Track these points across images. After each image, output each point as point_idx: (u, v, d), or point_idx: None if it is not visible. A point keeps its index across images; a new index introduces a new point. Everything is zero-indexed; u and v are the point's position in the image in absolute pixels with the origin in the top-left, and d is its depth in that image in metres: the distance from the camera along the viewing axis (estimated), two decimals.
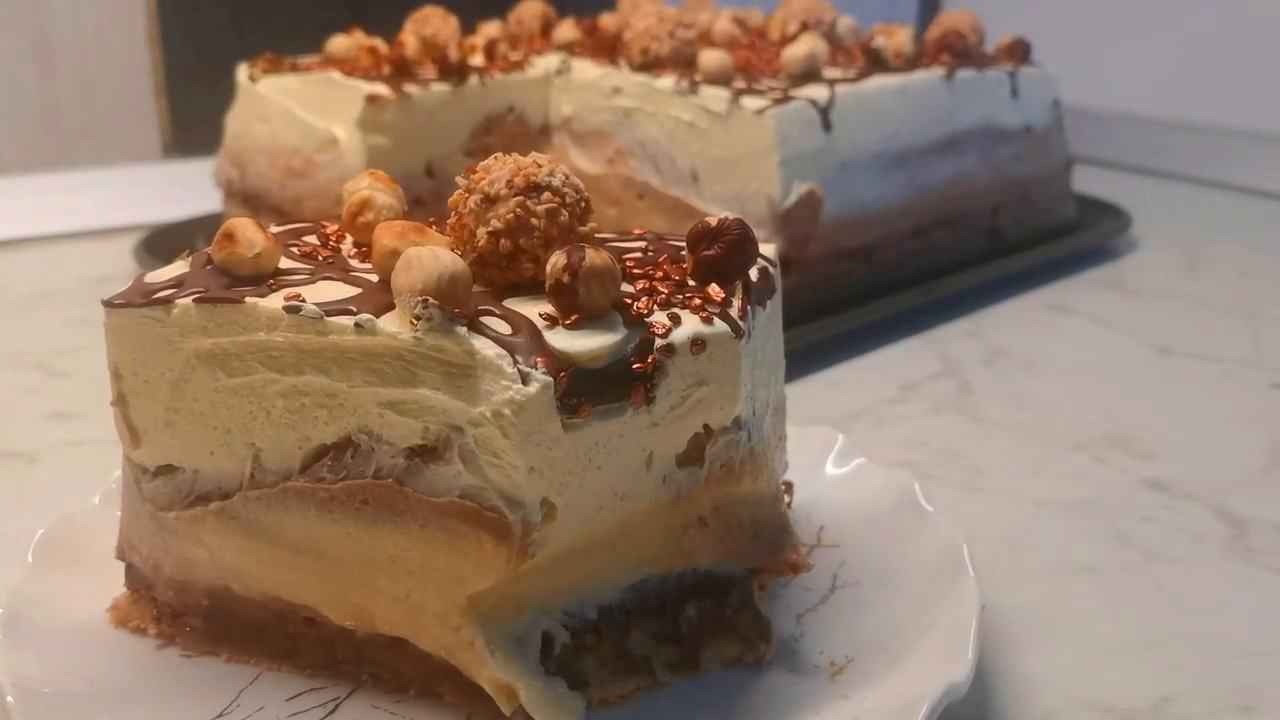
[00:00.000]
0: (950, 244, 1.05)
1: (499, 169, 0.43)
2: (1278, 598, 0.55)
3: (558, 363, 0.39)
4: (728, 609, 0.47)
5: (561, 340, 0.40)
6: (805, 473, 0.57)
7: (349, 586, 0.44)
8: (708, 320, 0.42)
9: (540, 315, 0.41)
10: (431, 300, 0.39)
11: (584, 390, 0.40)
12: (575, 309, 0.40)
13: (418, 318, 0.39)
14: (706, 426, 0.43)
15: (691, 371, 0.42)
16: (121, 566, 0.49)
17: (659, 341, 0.41)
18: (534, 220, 0.42)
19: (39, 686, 0.43)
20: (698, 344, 0.41)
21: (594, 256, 0.40)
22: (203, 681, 0.46)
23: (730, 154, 0.91)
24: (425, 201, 0.97)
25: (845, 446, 0.60)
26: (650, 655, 0.45)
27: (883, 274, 0.98)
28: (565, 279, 0.40)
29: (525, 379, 0.39)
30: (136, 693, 0.45)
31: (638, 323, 0.41)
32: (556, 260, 0.40)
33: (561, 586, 0.44)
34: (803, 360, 0.83)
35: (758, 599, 0.47)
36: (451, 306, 0.39)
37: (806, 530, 0.55)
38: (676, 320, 0.42)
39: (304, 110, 0.97)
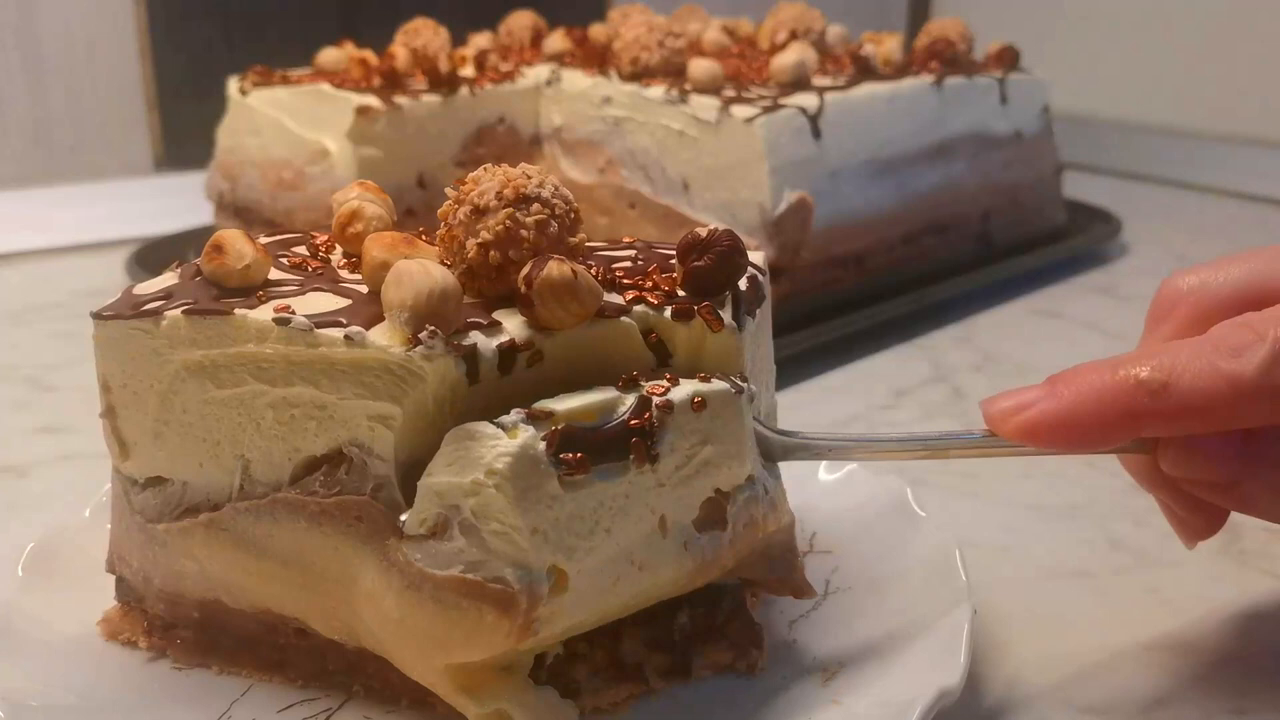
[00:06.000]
0: (941, 250, 1.05)
1: (488, 180, 0.43)
2: (1270, 601, 0.55)
3: (539, 418, 0.39)
4: (720, 616, 0.47)
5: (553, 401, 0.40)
6: (797, 479, 0.57)
7: (335, 601, 0.44)
8: (706, 379, 0.42)
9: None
10: (435, 329, 0.39)
11: (581, 448, 0.39)
12: (536, 320, 0.41)
13: (418, 341, 0.39)
14: (719, 490, 0.43)
15: (694, 430, 0.41)
16: (112, 580, 0.49)
17: (657, 399, 0.40)
18: (523, 232, 0.42)
19: (29, 700, 0.43)
20: (698, 401, 0.41)
21: (552, 269, 0.40)
22: (194, 694, 0.46)
23: (721, 162, 0.91)
24: (417, 212, 0.97)
25: None
26: (642, 662, 0.45)
27: (874, 281, 0.98)
28: (523, 289, 0.40)
29: (508, 430, 0.38)
30: (127, 706, 0.45)
31: (633, 384, 0.41)
32: (524, 270, 0.41)
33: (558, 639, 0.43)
34: (794, 367, 0.83)
35: (750, 605, 0.47)
36: (444, 326, 0.39)
37: (799, 536, 0.55)
38: (675, 380, 0.42)
39: (295, 122, 0.97)
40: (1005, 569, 0.58)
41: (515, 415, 0.39)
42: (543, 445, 0.39)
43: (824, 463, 0.60)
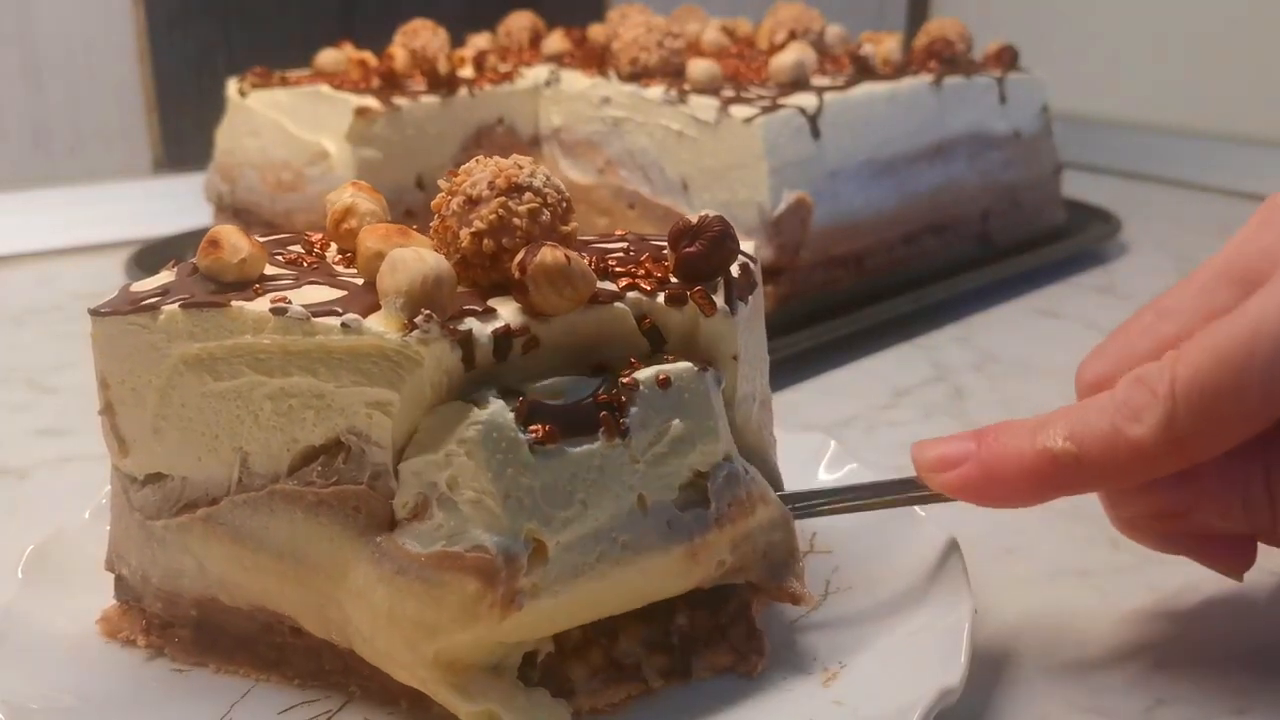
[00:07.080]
0: (940, 250, 1.05)
1: (480, 171, 0.43)
2: (1271, 601, 0.55)
3: (509, 394, 0.40)
4: (722, 619, 0.46)
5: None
6: (797, 479, 0.57)
7: (325, 599, 0.43)
8: (672, 361, 0.42)
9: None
10: (430, 313, 0.39)
11: (550, 421, 0.40)
12: (530, 306, 0.41)
13: (414, 326, 0.39)
14: (697, 473, 0.43)
15: (663, 406, 0.42)
16: (111, 581, 0.49)
17: (624, 379, 0.41)
18: (516, 220, 0.42)
19: (29, 702, 0.43)
20: (663, 378, 0.42)
21: (546, 254, 0.40)
22: (193, 695, 0.45)
23: (720, 163, 0.91)
24: (416, 213, 0.97)
25: (837, 453, 0.60)
26: (640, 663, 0.45)
27: (873, 281, 0.98)
28: (516, 275, 0.40)
29: (478, 402, 0.39)
30: (127, 707, 0.44)
31: (601, 370, 0.42)
32: (518, 256, 0.41)
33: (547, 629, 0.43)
34: (794, 367, 0.83)
35: (755, 612, 0.47)
36: (440, 311, 0.40)
37: (799, 536, 0.55)
38: (639, 365, 0.42)
39: (294, 124, 0.97)
40: (1006, 568, 0.58)
41: (485, 392, 0.40)
42: (511, 415, 0.39)
43: (824, 462, 0.60)
